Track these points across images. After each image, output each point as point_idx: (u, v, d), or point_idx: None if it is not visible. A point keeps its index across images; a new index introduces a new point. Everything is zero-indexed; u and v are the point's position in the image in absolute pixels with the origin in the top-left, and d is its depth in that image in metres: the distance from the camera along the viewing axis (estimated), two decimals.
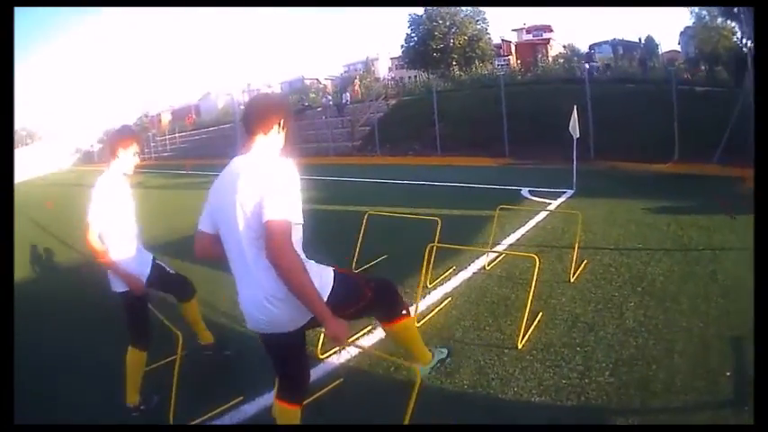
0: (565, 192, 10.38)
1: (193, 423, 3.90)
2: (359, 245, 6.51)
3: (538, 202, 9.92)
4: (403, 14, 58.04)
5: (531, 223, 8.21)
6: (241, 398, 4.16)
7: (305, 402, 3.21)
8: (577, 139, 10.40)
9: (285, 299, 2.72)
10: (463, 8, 48.34)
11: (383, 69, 60.49)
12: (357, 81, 47.10)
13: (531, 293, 4.43)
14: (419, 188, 13.80)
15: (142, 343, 4.32)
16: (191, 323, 4.84)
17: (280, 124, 2.96)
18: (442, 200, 11.36)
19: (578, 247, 6.08)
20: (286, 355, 3.06)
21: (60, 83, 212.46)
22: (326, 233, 7.50)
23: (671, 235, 7.01)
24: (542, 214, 8.80)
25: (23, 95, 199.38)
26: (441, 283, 6.05)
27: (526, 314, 4.39)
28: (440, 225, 6.26)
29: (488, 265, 6.45)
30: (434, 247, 5.46)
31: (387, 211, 7.57)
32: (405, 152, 21.56)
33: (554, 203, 9.60)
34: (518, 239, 7.57)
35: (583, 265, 6.02)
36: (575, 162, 10.52)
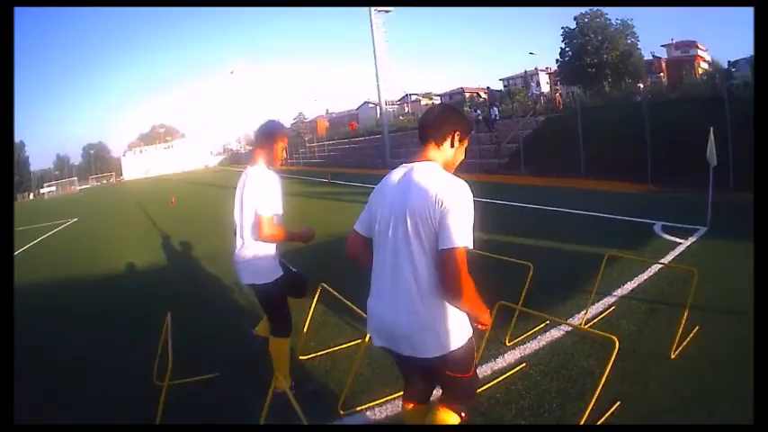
0: (698, 229, 9.05)
1: None
2: None
3: (668, 241, 8.67)
4: (557, 27, 57.03)
5: (654, 268, 7.11)
6: None
7: None
8: (714, 167, 9.09)
9: (439, 324, 2.67)
10: (613, 21, 46.73)
11: (543, 84, 58.98)
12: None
13: (602, 384, 3.46)
14: (550, 215, 12.84)
15: (283, 331, 4.61)
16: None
17: (454, 138, 2.85)
18: (568, 230, 10.51)
19: (689, 309, 4.98)
20: (423, 376, 3.04)
21: (207, 80, 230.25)
22: None
23: None
24: (668, 256, 7.72)
25: (160, 92, 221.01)
26: (524, 342, 5.30)
27: (589, 409, 3.52)
28: (531, 271, 5.55)
29: (585, 324, 5.56)
30: (513, 306, 4.76)
31: (483, 252, 6.73)
32: (548, 173, 20.35)
33: (684, 244, 8.35)
34: (632, 290, 6.55)
35: (692, 334, 4.96)
36: (710, 195, 9.19)
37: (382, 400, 4.45)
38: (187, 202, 29.25)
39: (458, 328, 2.71)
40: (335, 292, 5.03)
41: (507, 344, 5.19)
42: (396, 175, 2.85)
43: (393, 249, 2.71)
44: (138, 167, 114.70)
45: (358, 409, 4.36)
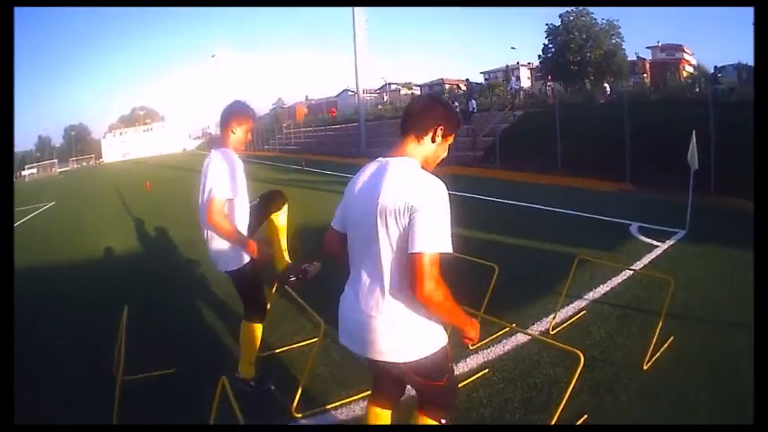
0: (677, 232, 8.81)
1: None
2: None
3: (644, 243, 8.43)
4: (541, 23, 57.76)
5: (627, 272, 6.82)
6: None
7: None
8: (695, 170, 8.86)
9: (403, 328, 2.54)
10: (598, 21, 47.30)
11: (524, 79, 59.04)
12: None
13: (566, 398, 3.16)
14: (523, 211, 12.56)
15: (255, 314, 4.51)
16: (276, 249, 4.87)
17: (436, 132, 2.64)
18: (540, 228, 10.25)
19: (665, 318, 4.67)
20: (387, 381, 2.96)
21: (189, 64, 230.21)
22: None
23: None
24: (644, 259, 7.52)
25: (142, 75, 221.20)
26: (488, 346, 5.03)
27: (553, 421, 3.25)
28: (496, 273, 5.22)
29: (553, 329, 5.34)
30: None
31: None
32: (525, 167, 20.15)
33: (662, 247, 8.11)
34: (605, 294, 6.31)
35: (667, 344, 4.71)
36: (690, 198, 8.94)
37: (338, 403, 4.27)
38: (162, 186, 29.10)
39: (426, 335, 2.58)
40: (292, 291, 4.75)
41: (470, 347, 4.88)
42: (369, 169, 2.71)
43: (362, 248, 2.63)
44: (117, 150, 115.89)
45: (313, 411, 4.19)
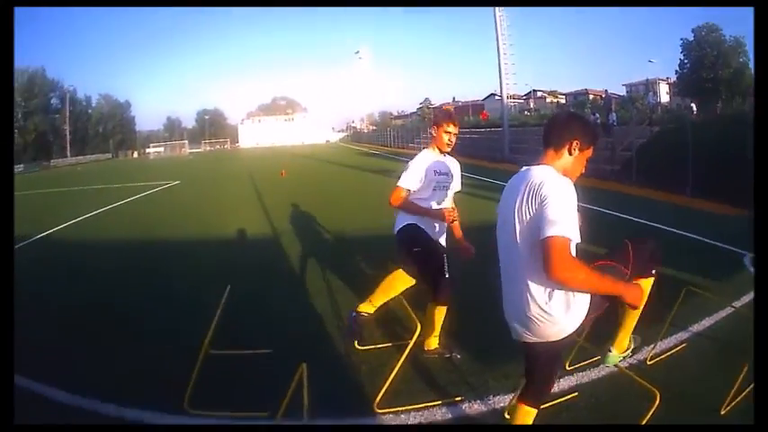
0: None
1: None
2: None
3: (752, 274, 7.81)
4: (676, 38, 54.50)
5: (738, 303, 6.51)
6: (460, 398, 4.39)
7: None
8: None
9: (555, 313, 2.73)
10: (726, 37, 44.01)
11: (663, 94, 56.04)
12: None
13: None
14: (647, 230, 11.93)
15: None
16: (428, 324, 4.90)
17: (572, 146, 2.88)
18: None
19: (754, 361, 4.45)
20: (543, 363, 3.01)
21: (334, 59, 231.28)
22: None
23: None
24: (751, 293, 6.87)
25: (283, 67, 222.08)
26: (587, 367, 4.95)
27: None
28: None
29: (650, 359, 5.17)
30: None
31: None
32: (657, 185, 19.11)
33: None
34: (709, 326, 6.02)
35: (749, 389, 4.35)
36: None
37: (420, 406, 4.26)
38: (297, 176, 29.17)
39: (567, 318, 2.77)
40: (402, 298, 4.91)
41: (567, 368, 4.88)
42: (516, 177, 2.93)
43: (509, 245, 2.84)
44: (255, 136, 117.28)
45: (396, 410, 4.19)
